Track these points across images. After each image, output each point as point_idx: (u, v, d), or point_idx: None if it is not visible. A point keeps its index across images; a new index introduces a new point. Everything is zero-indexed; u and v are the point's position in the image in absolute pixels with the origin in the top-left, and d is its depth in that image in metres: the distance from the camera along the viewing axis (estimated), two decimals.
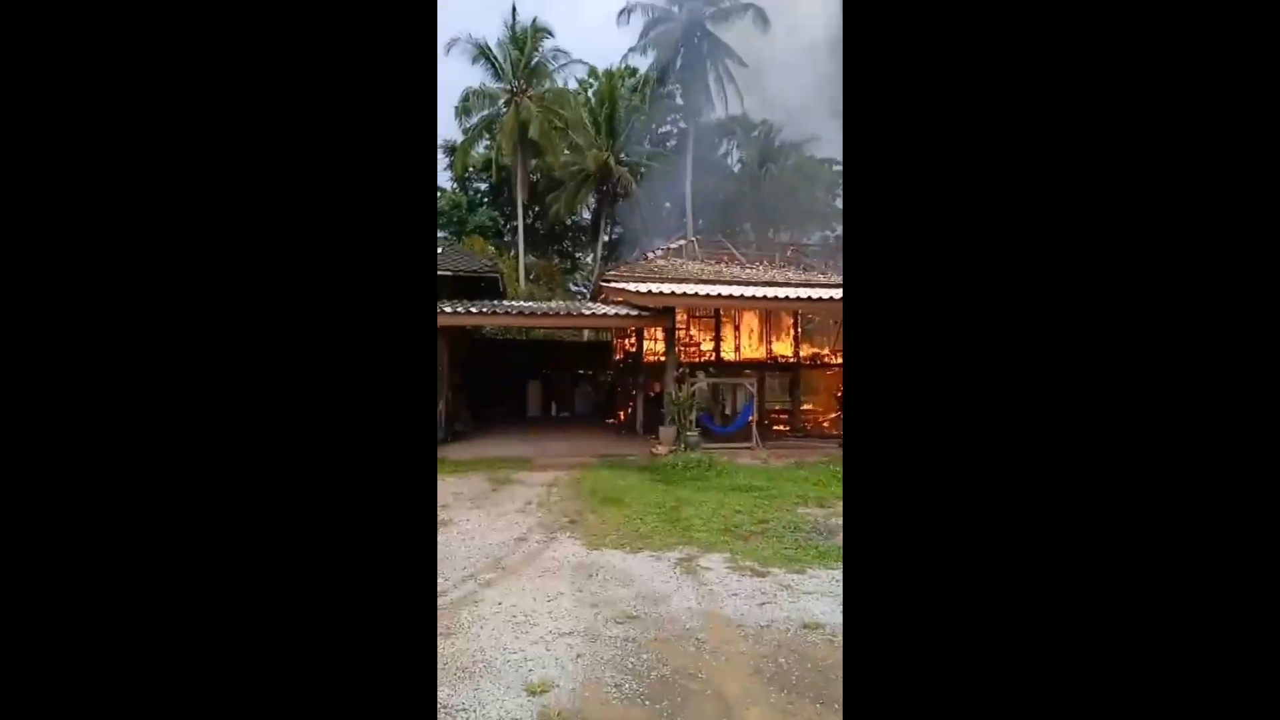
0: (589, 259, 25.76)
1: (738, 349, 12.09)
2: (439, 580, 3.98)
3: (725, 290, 9.63)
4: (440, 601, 3.62)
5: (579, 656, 2.90)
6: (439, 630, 3.20)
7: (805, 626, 3.25)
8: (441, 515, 5.75)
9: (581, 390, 14.37)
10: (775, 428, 10.69)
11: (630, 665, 2.81)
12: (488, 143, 22.78)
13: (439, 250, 12.29)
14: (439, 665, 2.83)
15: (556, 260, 24.83)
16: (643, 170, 22.01)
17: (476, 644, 3.03)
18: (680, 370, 9.11)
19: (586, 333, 17.21)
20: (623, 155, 21.28)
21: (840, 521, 5.38)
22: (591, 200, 23.02)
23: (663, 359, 11.45)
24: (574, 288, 24.47)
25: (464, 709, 2.44)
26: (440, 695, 2.55)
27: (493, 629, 3.21)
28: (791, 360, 11.65)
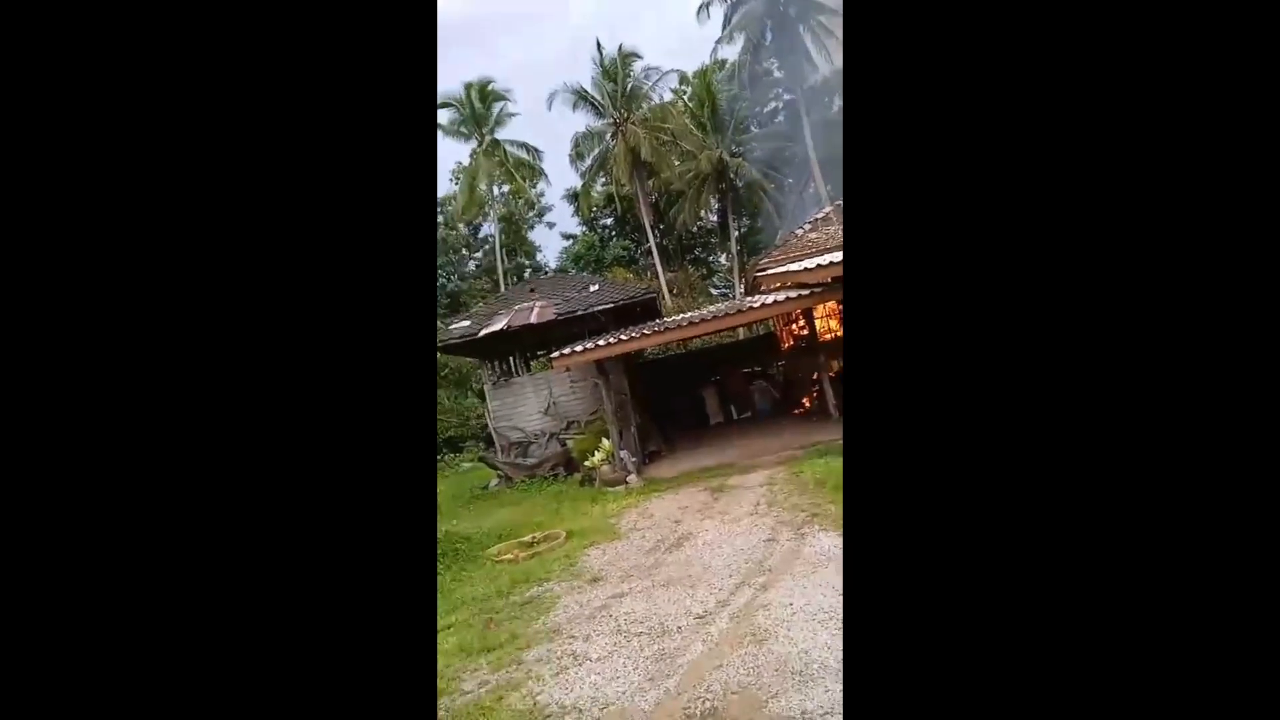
0: (723, 260, 25.54)
1: None
2: (715, 591, 3.95)
3: None
4: (728, 610, 3.58)
5: None
6: (749, 635, 3.13)
7: None
8: (678, 530, 5.81)
9: (758, 388, 14.07)
10: None
11: None
12: (604, 179, 23.70)
13: (595, 288, 12.85)
14: (768, 669, 2.74)
15: (691, 269, 24.95)
16: (757, 154, 21.46)
17: (795, 647, 2.90)
18: None
19: (741, 331, 16.93)
20: (733, 148, 20.95)
21: None
22: (713, 202, 22.88)
23: (839, 335, 10.79)
24: (714, 291, 24.35)
25: (828, 712, 2.30)
26: (793, 701, 2.45)
27: (803, 629, 3.06)
28: None
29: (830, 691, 2.44)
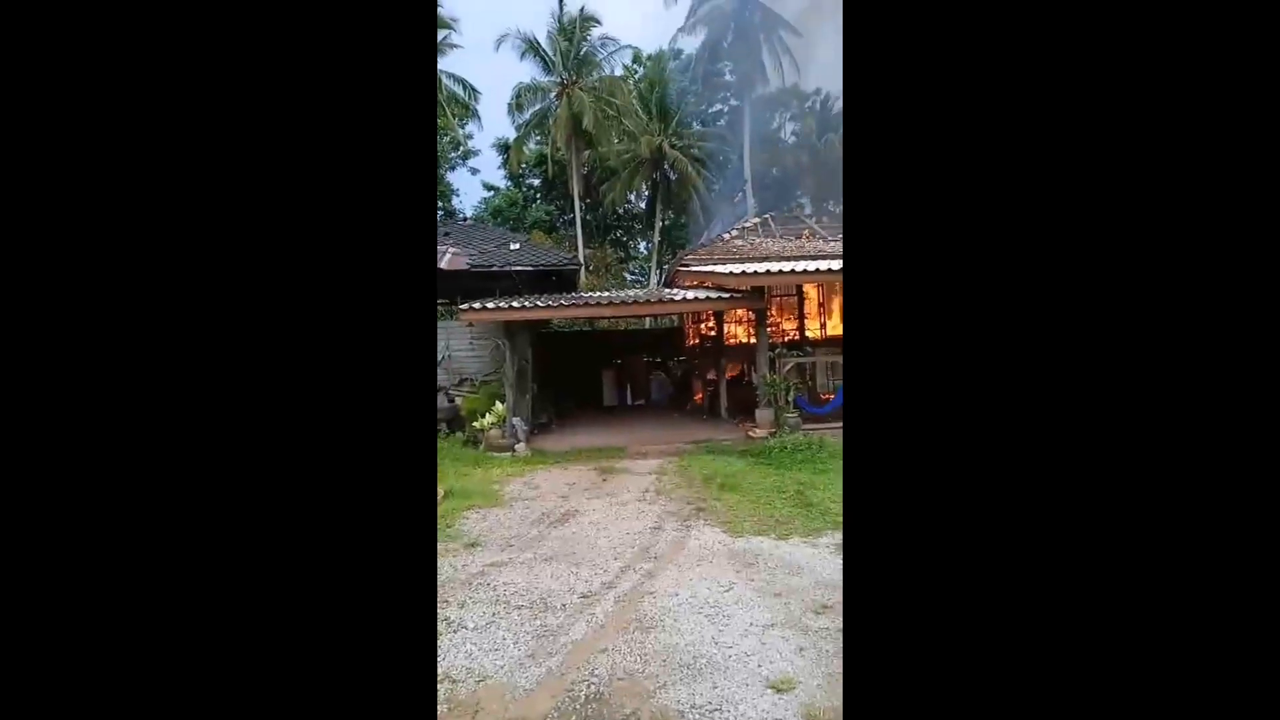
0: (642, 247, 25.58)
1: (822, 327, 11.70)
2: (599, 572, 3.90)
3: (823, 265, 9.20)
4: (614, 592, 3.54)
5: (801, 650, 2.74)
6: (634, 621, 3.11)
7: None
8: (564, 505, 5.72)
9: (657, 378, 14.26)
10: None
11: None
12: (539, 138, 22.76)
13: (516, 246, 12.34)
14: (654, 658, 2.72)
15: (610, 250, 24.75)
16: (695, 151, 21.63)
17: (683, 638, 2.91)
18: (776, 351, 8.83)
19: (648, 321, 17.08)
20: (673, 139, 20.95)
21: None
22: (644, 188, 22.78)
23: (744, 341, 11.16)
24: (629, 276, 24.34)
25: (716, 709, 2.31)
26: (680, 694, 2.44)
27: (690, 622, 3.08)
28: None
29: (718, 688, 2.46)
